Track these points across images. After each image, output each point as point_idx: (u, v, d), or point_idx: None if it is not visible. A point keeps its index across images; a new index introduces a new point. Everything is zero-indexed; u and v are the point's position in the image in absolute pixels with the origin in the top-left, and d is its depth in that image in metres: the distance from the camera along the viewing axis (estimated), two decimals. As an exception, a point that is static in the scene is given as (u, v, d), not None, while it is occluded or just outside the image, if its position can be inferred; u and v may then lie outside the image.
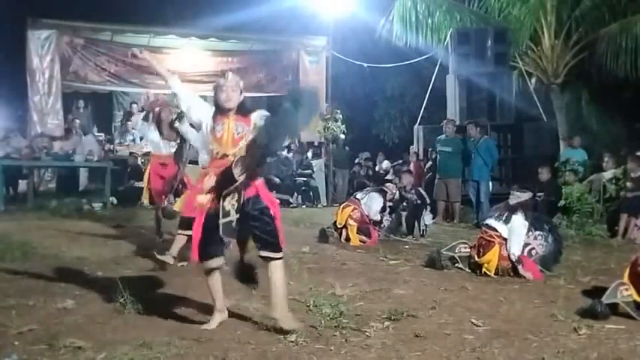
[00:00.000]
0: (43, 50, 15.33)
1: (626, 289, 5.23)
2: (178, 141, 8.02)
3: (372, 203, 9.66)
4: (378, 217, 9.64)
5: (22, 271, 6.55)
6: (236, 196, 4.52)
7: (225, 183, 4.45)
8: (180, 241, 6.88)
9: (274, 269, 4.63)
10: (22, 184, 14.84)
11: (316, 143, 17.25)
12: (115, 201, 13.47)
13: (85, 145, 14.41)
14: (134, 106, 16.83)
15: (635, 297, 5.18)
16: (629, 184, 10.58)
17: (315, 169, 15.97)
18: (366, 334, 4.57)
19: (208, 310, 5.00)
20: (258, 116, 4.64)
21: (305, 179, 15.70)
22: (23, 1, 18.34)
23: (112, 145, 15.66)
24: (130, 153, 14.82)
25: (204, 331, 4.52)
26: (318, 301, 5.29)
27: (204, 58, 17.17)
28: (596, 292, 5.66)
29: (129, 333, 4.47)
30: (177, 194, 8.14)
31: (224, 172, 4.44)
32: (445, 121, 12.64)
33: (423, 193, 10.70)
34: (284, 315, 4.63)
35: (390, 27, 15.45)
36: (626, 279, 5.32)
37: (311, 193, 15.58)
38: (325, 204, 15.47)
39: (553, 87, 14.88)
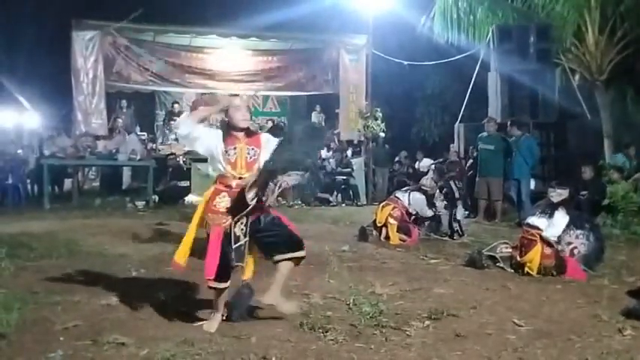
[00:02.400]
0: (87, 51, 15.57)
1: (672, 290, 5.13)
2: None
3: (418, 204, 9.59)
4: (430, 214, 9.59)
5: (68, 268, 6.69)
6: (244, 219, 4.67)
7: (238, 206, 4.59)
8: None
9: (286, 266, 4.76)
10: (67, 183, 15.15)
11: (356, 141, 17.24)
12: (157, 199, 13.64)
13: (128, 145, 14.61)
14: (176, 105, 17.04)
15: (682, 298, 5.08)
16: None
17: (354, 168, 15.95)
18: (407, 333, 4.56)
19: (249, 307, 5.03)
20: (267, 139, 4.79)
21: (345, 178, 15.69)
22: (68, 3, 18.66)
23: (154, 145, 15.86)
24: (168, 154, 14.97)
25: (245, 329, 4.56)
26: (358, 300, 5.29)
27: (245, 57, 17.27)
28: (641, 293, 5.56)
29: (171, 330, 4.53)
30: None
31: (238, 196, 4.57)
32: (486, 119, 12.51)
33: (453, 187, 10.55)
34: (280, 300, 4.80)
35: (430, 24, 15.33)
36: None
37: (351, 192, 15.56)
38: (365, 202, 15.43)
39: (597, 84, 14.59)
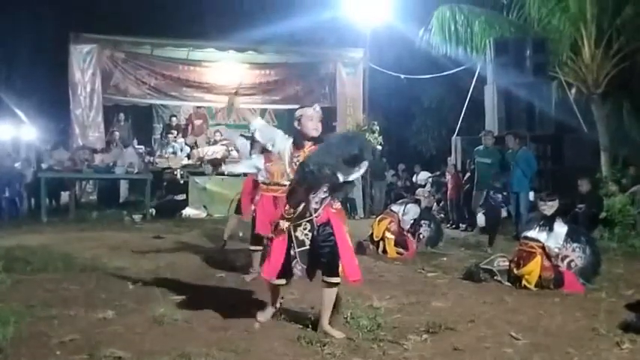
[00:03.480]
0: (84, 64, 15.60)
1: (670, 304, 5.13)
2: None
3: (410, 215, 9.64)
4: (407, 226, 9.60)
5: (64, 281, 6.67)
6: (309, 226, 4.83)
7: (302, 212, 4.80)
8: (257, 256, 7.13)
9: (329, 292, 4.90)
10: (64, 196, 15.12)
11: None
12: (154, 212, 13.64)
13: (125, 158, 14.61)
14: (173, 118, 17.05)
15: (680, 311, 5.07)
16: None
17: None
18: (404, 346, 4.54)
19: (246, 321, 5.05)
20: None
21: (342, 191, 15.68)
22: (65, 17, 18.71)
23: (152, 158, 15.86)
24: (164, 168, 14.98)
25: (242, 342, 4.54)
26: (356, 313, 5.27)
27: (242, 70, 17.32)
28: (639, 306, 5.55)
29: (168, 343, 4.51)
30: None
31: (302, 204, 4.77)
32: (484, 132, 12.53)
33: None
34: (327, 327, 4.85)
35: (428, 38, 15.39)
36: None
37: (348, 205, 15.55)
38: (362, 215, 15.44)
39: (594, 97, 14.63)
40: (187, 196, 14.45)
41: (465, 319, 5.35)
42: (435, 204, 10.01)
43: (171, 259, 8.29)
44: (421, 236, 9.94)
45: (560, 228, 6.96)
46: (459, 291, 6.61)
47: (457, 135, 15.57)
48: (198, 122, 17.52)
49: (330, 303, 4.90)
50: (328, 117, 17.79)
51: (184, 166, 15.20)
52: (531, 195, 12.07)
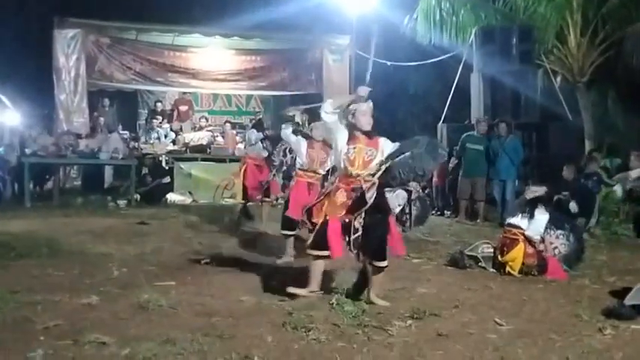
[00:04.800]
0: (69, 49, 15.48)
1: (651, 290, 5.18)
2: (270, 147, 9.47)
3: (399, 200, 9.66)
4: (396, 211, 9.62)
5: (49, 267, 6.64)
6: (363, 214, 5.25)
7: (359, 203, 5.22)
8: (290, 241, 7.39)
9: (378, 276, 5.37)
10: (49, 182, 15.01)
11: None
12: (138, 198, 13.59)
13: (110, 143, 14.52)
14: (158, 104, 16.96)
15: (661, 298, 5.12)
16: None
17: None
18: (389, 332, 4.56)
19: (232, 306, 5.05)
20: (386, 143, 5.38)
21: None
22: (50, 1, 18.51)
23: (136, 143, 15.78)
24: (146, 154, 14.91)
25: (227, 328, 4.54)
26: (341, 300, 5.28)
27: (229, 56, 17.25)
28: (622, 292, 5.61)
29: (153, 329, 4.51)
30: (266, 194, 9.56)
31: (359, 194, 5.23)
32: (477, 120, 12.59)
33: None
34: (374, 296, 5.37)
35: (413, 25, 15.36)
36: (652, 279, 5.27)
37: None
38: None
39: (579, 85, 14.69)
40: (172, 181, 14.40)
41: (449, 305, 5.38)
42: (421, 191, 10.02)
43: (156, 245, 8.27)
44: (410, 216, 9.97)
45: (541, 215, 7.01)
46: (444, 277, 6.64)
47: (443, 122, 15.58)
48: (183, 108, 17.45)
49: (379, 283, 5.40)
50: (314, 103, 17.84)
51: (169, 152, 15.13)
52: (516, 182, 12.15)
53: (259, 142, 10.04)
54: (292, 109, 9.49)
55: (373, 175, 5.31)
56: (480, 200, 11.99)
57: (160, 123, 16.21)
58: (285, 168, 9.37)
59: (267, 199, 9.74)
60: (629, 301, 5.18)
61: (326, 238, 5.23)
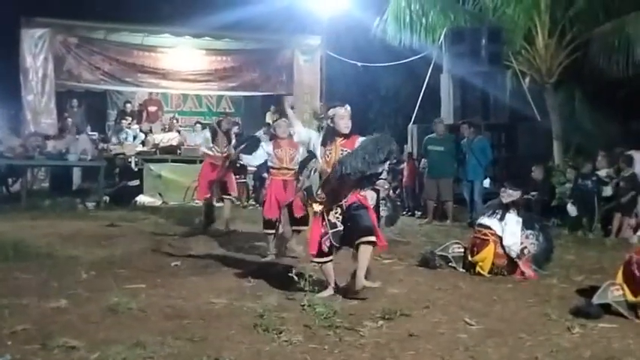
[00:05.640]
0: (36, 49, 15.29)
1: (617, 289, 5.25)
2: (226, 148, 9.60)
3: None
4: None
5: (16, 270, 6.54)
6: (339, 210, 5.55)
7: (332, 197, 5.53)
8: (271, 239, 7.70)
9: (365, 248, 5.48)
10: (16, 184, 14.79)
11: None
12: (108, 200, 13.45)
13: (78, 144, 14.37)
14: (128, 105, 16.82)
15: (628, 296, 5.20)
16: (622, 184, 10.60)
17: (309, 168, 15.95)
18: (360, 333, 4.57)
19: (202, 309, 5.03)
20: (359, 141, 5.54)
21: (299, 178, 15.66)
22: (17, 0, 18.26)
23: (105, 145, 15.63)
24: (117, 154, 14.78)
25: (198, 330, 4.52)
26: (312, 301, 5.28)
27: (199, 56, 17.16)
28: (589, 291, 5.67)
29: (122, 332, 4.47)
30: (224, 192, 9.88)
31: (332, 189, 5.49)
32: (435, 121, 12.63)
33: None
34: (362, 280, 5.50)
35: (384, 26, 15.43)
36: (619, 279, 5.34)
37: (305, 192, 15.53)
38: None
39: (547, 86, 14.87)
40: (142, 183, 14.29)
41: (420, 305, 5.40)
42: (392, 191, 10.06)
43: (126, 248, 8.19)
44: (380, 217, 9.99)
45: (515, 223, 7.02)
46: (415, 277, 6.67)
47: (413, 123, 15.67)
48: (152, 109, 17.33)
49: (366, 261, 5.49)
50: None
51: (139, 153, 15.00)
52: (487, 182, 12.25)
53: (206, 141, 10.15)
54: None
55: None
56: (446, 200, 12.03)
57: (129, 124, 16.07)
58: (238, 166, 10.23)
59: (227, 197, 9.97)
60: (596, 299, 5.25)
61: (320, 244, 5.55)
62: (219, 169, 9.73)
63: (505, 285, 6.44)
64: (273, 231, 7.62)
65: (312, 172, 6.16)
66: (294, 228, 7.74)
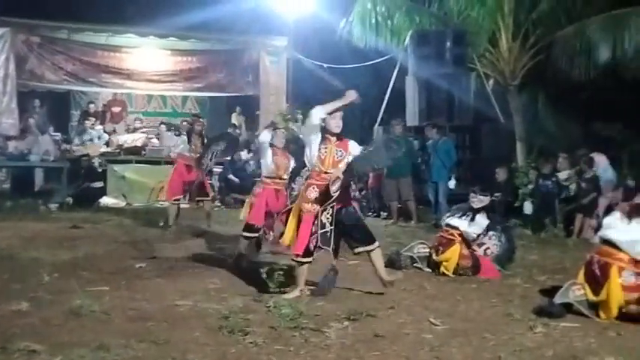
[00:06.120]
0: (-3, 48, 15.04)
1: (579, 289, 5.35)
2: (201, 150, 9.78)
3: None
4: None
5: (-24, 273, 6.43)
6: (330, 210, 5.73)
7: (324, 197, 5.67)
8: (246, 243, 7.60)
9: (375, 256, 5.95)
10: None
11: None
12: (71, 201, 13.28)
13: (41, 145, 14.15)
14: (91, 105, 16.63)
15: (589, 296, 5.28)
16: (583, 185, 10.77)
17: (303, 176, 15.88)
18: (326, 334, 4.58)
19: (166, 311, 4.99)
20: (354, 146, 5.87)
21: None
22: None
23: (69, 145, 15.42)
24: (82, 155, 14.59)
25: (163, 333, 4.49)
26: (278, 302, 5.28)
27: (164, 57, 17.00)
28: (552, 291, 5.75)
29: (85, 336, 4.42)
30: (191, 197, 10.25)
31: (324, 188, 5.67)
32: (392, 122, 12.69)
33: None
34: (385, 275, 5.99)
35: (350, 28, 15.45)
36: (581, 278, 5.42)
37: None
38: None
39: (510, 89, 15.02)
40: (105, 184, 14.12)
41: (385, 306, 5.44)
42: (357, 193, 10.08)
43: (89, 250, 8.09)
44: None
45: (483, 220, 7.16)
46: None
47: (379, 125, 15.71)
48: (116, 109, 17.14)
49: (381, 261, 6.04)
50: (252, 105, 17.80)
51: (102, 154, 14.83)
52: (452, 184, 12.33)
53: (184, 144, 10.27)
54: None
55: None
56: (407, 200, 12.07)
57: (93, 124, 15.87)
58: (209, 169, 10.53)
59: (205, 198, 10.18)
60: (558, 299, 5.34)
61: (307, 243, 5.67)
62: (194, 171, 9.90)
63: (469, 285, 6.51)
64: (253, 236, 7.54)
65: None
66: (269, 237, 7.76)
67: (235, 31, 18.00)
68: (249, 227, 7.49)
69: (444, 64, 14.07)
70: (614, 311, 5.17)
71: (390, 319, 5.08)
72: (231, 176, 14.49)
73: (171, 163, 12.52)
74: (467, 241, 7.11)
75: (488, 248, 7.22)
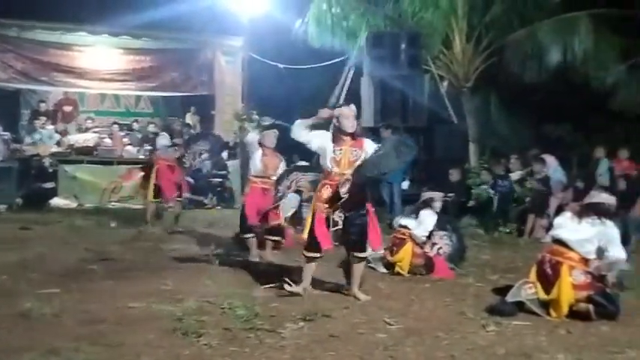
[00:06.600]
0: (-57, 46, 14.68)
1: (530, 288, 5.44)
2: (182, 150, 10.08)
3: (289, 202, 9.65)
4: (288, 215, 9.65)
5: None
6: (341, 208, 5.69)
7: (335, 197, 5.66)
8: (252, 242, 7.85)
9: (358, 267, 5.90)
10: None
11: (232, 144, 17.12)
12: (20, 202, 13.01)
13: (-11, 145, 13.85)
14: (42, 104, 16.31)
15: (540, 294, 5.38)
16: (535, 185, 10.96)
17: (230, 170, 15.83)
18: (281, 335, 4.57)
19: (119, 313, 4.93)
20: (369, 144, 5.79)
21: (220, 180, 15.54)
22: None
23: (18, 145, 15.09)
24: (33, 155, 14.31)
25: (116, 336, 4.43)
26: (233, 303, 5.25)
27: (117, 56, 16.77)
28: (504, 290, 5.84)
29: (35, 339, 4.33)
30: (177, 194, 10.19)
31: (335, 189, 5.65)
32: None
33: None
34: (356, 287, 5.92)
35: (305, 29, 15.46)
36: (532, 277, 5.51)
37: (226, 194, 15.43)
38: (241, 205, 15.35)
39: (464, 90, 15.21)
40: (57, 185, 13.88)
41: (340, 306, 5.45)
42: (314, 193, 10.08)
43: (40, 251, 7.94)
44: (303, 219, 10.02)
45: (428, 216, 7.25)
46: (336, 278, 6.70)
47: (334, 125, 15.75)
48: (68, 109, 16.84)
49: (359, 274, 5.91)
50: (207, 105, 17.67)
51: (53, 154, 14.56)
52: (406, 184, 12.43)
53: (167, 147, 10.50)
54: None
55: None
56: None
57: (44, 124, 15.57)
58: (193, 169, 10.62)
59: (178, 199, 10.24)
60: (510, 298, 5.42)
61: (317, 239, 5.69)
62: (177, 170, 10.14)
63: (423, 285, 6.57)
64: (253, 235, 7.78)
65: (294, 184, 6.52)
66: (267, 237, 7.84)
67: (190, 30, 17.84)
68: (247, 228, 7.73)
69: (398, 66, 14.15)
70: (565, 309, 5.27)
71: (345, 319, 5.09)
72: (187, 177, 14.36)
73: (124, 163, 12.41)
74: (417, 240, 7.21)
75: (440, 248, 7.33)
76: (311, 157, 8.03)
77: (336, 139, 5.79)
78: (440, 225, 7.43)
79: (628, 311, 5.39)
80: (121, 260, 7.56)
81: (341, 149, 5.74)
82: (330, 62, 17.00)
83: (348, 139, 5.76)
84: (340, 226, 5.74)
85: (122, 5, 17.39)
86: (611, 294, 5.36)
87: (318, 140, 5.87)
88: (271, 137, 7.99)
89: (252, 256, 7.78)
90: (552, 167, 11.36)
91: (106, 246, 8.50)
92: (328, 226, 5.72)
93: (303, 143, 5.98)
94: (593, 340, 4.70)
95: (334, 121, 5.85)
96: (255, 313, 5.01)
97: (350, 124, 5.77)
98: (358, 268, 5.89)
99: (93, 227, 10.33)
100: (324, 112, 6.01)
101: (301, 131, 5.94)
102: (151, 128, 16.27)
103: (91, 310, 5.12)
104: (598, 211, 5.48)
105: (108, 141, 15.53)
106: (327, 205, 5.73)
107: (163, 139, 10.89)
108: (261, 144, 7.87)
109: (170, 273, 6.79)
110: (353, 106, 5.97)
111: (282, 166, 7.84)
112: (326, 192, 5.75)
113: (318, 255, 5.81)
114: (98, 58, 16.48)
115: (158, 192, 10.12)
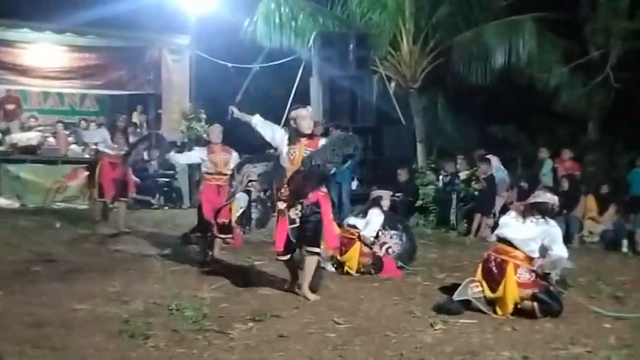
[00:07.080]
0: None
1: (477, 286, 5.52)
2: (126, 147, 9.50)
3: (237, 203, 9.61)
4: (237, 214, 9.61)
5: None
6: (299, 206, 5.75)
7: (291, 194, 5.72)
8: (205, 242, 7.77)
9: (310, 263, 5.85)
10: None
11: (179, 143, 16.94)
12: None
13: None
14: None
15: (487, 293, 5.46)
16: (480, 185, 11.14)
17: (178, 170, 15.68)
18: (230, 336, 4.55)
19: (64, 316, 4.83)
20: (323, 141, 5.83)
21: (167, 180, 15.37)
22: None
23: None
24: None
25: (60, 339, 4.34)
26: (181, 305, 5.20)
27: (61, 53, 16.44)
28: (451, 289, 5.92)
29: (-24, 343, 4.22)
30: (122, 194, 9.83)
31: (293, 187, 5.69)
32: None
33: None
34: (306, 286, 5.86)
35: (254, 28, 15.42)
36: (478, 276, 5.60)
37: (174, 194, 15.28)
38: (189, 205, 15.19)
39: (411, 91, 15.39)
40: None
41: (290, 306, 5.45)
42: (262, 193, 10.02)
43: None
44: (251, 219, 9.96)
45: (376, 216, 7.29)
46: (285, 278, 6.70)
47: (283, 125, 15.71)
48: (10, 107, 16.41)
49: (311, 270, 5.86)
50: (153, 104, 17.46)
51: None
52: (354, 184, 12.50)
53: (108, 140, 9.94)
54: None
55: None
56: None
57: (-15, 123, 15.19)
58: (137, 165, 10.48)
59: (123, 199, 9.91)
60: (457, 296, 5.50)
61: (281, 241, 5.79)
62: (119, 168, 9.69)
63: (372, 284, 6.61)
64: (210, 234, 7.64)
65: (245, 178, 6.44)
66: (217, 235, 7.66)
67: (136, 28, 17.58)
68: (203, 226, 7.61)
69: (347, 66, 14.23)
70: (510, 307, 5.36)
71: (295, 318, 5.09)
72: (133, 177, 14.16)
73: (69, 162, 12.15)
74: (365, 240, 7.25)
75: (390, 247, 7.38)
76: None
77: (292, 140, 5.82)
78: (391, 224, 7.49)
79: (571, 308, 5.51)
80: (66, 261, 7.41)
81: (295, 149, 5.76)
82: (278, 62, 16.98)
83: (303, 139, 5.78)
84: (297, 224, 5.74)
85: (67, 2, 17.05)
86: (554, 292, 5.47)
87: (280, 138, 5.94)
88: (216, 132, 7.89)
89: (205, 256, 7.68)
90: (495, 167, 11.56)
91: (51, 247, 8.33)
92: (287, 225, 5.77)
93: (263, 134, 6.10)
94: (537, 337, 4.79)
95: (291, 122, 5.87)
96: (203, 314, 4.97)
97: (307, 125, 5.80)
98: (310, 263, 5.85)
99: (37, 228, 10.09)
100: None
101: (263, 123, 6.16)
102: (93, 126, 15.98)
103: (35, 312, 5.01)
104: (542, 210, 5.59)
105: (52, 140, 15.21)
106: (284, 204, 5.77)
107: (103, 132, 10.39)
108: (207, 141, 7.80)
109: (116, 274, 6.68)
110: (310, 108, 6.00)
111: (233, 160, 7.73)
112: (286, 191, 5.80)
113: (284, 258, 5.90)
114: (41, 56, 16.13)
115: (102, 191, 9.88)
